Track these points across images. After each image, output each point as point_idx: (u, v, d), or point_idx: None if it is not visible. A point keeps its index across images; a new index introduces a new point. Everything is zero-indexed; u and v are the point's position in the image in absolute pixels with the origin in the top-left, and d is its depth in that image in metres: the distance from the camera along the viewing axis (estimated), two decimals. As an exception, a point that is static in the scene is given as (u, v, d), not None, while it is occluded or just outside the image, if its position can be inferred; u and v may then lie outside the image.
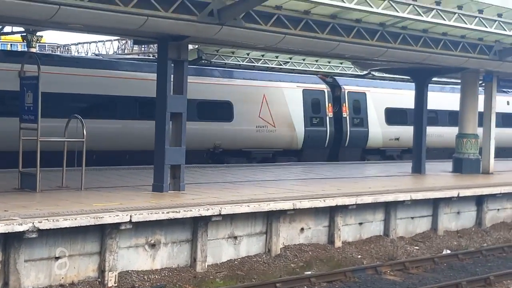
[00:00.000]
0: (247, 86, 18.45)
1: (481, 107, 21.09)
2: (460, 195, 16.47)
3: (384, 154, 25.66)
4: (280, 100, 22.07)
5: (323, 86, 23.90)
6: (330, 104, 23.51)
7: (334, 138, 23.78)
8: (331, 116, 23.48)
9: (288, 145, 22.48)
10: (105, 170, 17.11)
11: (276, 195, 13.64)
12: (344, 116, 24.00)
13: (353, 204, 14.05)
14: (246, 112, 18.72)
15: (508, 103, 28.70)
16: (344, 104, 24.21)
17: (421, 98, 20.35)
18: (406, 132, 23.99)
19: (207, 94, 20.32)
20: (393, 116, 25.62)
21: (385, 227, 15.16)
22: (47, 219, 9.75)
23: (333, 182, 16.87)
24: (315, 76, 24.96)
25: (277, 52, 22.10)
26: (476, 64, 18.46)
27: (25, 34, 26.95)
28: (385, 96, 25.59)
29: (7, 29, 24.54)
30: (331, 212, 13.94)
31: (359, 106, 24.80)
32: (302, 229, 13.61)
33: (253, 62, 25.69)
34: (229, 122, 20.74)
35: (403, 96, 25.54)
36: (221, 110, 20.67)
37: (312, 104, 23.03)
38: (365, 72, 27.97)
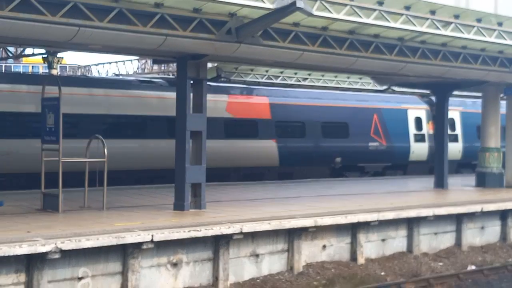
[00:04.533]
0: None
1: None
2: (484, 210, 16.27)
3: None
4: None
5: None
6: None
7: None
8: None
9: None
10: (126, 189, 17.15)
11: (297, 212, 13.57)
12: None
13: (375, 221, 13.93)
14: None
15: None
16: None
17: (442, 112, 20.23)
18: None
19: None
20: None
21: (408, 243, 15.00)
22: (69, 240, 9.78)
23: (355, 198, 16.77)
24: None
25: (296, 68, 22.12)
26: (497, 77, 18.32)
27: (46, 55, 27.28)
28: None
29: (28, 51, 24.88)
30: (353, 229, 13.83)
31: None
32: (324, 246, 13.51)
33: (272, 79, 25.74)
34: None
35: None
36: None
37: None
38: (384, 87, 27.92)
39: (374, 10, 12.98)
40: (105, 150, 13.43)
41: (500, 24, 15.33)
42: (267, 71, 25.33)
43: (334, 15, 12.46)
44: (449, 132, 24.54)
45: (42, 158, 13.18)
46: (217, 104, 20.12)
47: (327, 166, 22.88)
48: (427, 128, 26.18)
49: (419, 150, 25.69)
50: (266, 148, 19.60)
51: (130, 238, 10.41)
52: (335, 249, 13.69)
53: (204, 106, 13.68)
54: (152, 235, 10.62)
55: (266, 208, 14.21)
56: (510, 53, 17.70)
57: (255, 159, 20.79)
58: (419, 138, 25.81)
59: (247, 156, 20.56)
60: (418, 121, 26.15)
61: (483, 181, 20.77)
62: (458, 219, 16.05)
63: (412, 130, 25.61)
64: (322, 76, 26.50)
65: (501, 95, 21.32)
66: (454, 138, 26.50)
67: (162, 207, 13.80)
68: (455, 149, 25.87)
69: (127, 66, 38.81)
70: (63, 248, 9.64)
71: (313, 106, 22.72)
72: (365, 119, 24.17)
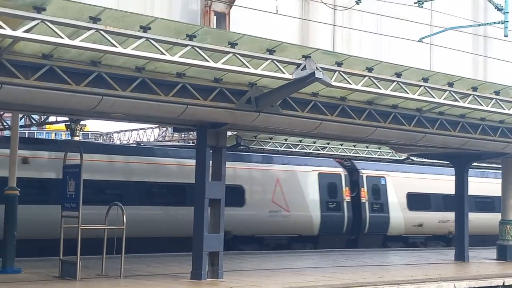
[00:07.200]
0: None
1: None
2: (506, 283, 15.93)
3: None
4: None
5: None
6: None
7: None
8: None
9: None
10: (144, 257, 17.08)
11: (316, 283, 13.38)
12: None
13: (395, 293, 13.68)
14: None
15: None
16: None
17: (461, 183, 20.11)
18: None
19: None
20: None
21: (429, 317, 14.66)
22: (85, 308, 9.73)
23: (374, 269, 16.52)
24: None
25: (315, 137, 22.25)
26: (517, 149, 18.25)
27: (69, 123, 27.75)
28: None
29: (52, 118, 25.30)
30: (373, 301, 13.59)
31: None
32: (343, 318, 13.27)
33: (291, 148, 25.87)
34: None
35: None
36: None
37: None
38: (403, 157, 27.92)
39: (392, 81, 13.13)
40: (124, 217, 13.47)
41: (518, 96, 15.40)
42: (286, 140, 25.49)
43: (353, 86, 12.60)
44: None
45: (61, 224, 13.24)
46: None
47: None
48: None
49: None
50: None
51: (146, 307, 10.32)
52: (354, 321, 13.42)
53: (223, 174, 13.74)
54: (169, 304, 10.52)
55: (283, 278, 14.04)
56: (529, 125, 17.69)
57: None
58: None
59: None
60: None
61: (504, 254, 20.37)
62: (480, 293, 15.72)
63: None
64: (341, 145, 26.59)
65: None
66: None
67: (179, 276, 13.69)
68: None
69: (147, 133, 39.28)
70: (79, 316, 9.58)
71: None
72: None
